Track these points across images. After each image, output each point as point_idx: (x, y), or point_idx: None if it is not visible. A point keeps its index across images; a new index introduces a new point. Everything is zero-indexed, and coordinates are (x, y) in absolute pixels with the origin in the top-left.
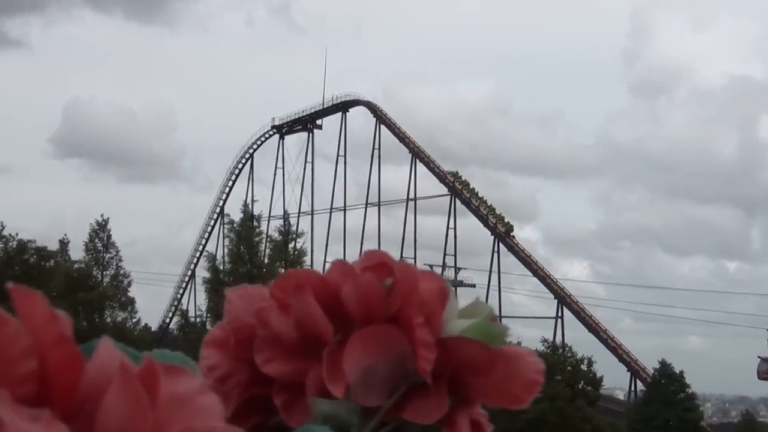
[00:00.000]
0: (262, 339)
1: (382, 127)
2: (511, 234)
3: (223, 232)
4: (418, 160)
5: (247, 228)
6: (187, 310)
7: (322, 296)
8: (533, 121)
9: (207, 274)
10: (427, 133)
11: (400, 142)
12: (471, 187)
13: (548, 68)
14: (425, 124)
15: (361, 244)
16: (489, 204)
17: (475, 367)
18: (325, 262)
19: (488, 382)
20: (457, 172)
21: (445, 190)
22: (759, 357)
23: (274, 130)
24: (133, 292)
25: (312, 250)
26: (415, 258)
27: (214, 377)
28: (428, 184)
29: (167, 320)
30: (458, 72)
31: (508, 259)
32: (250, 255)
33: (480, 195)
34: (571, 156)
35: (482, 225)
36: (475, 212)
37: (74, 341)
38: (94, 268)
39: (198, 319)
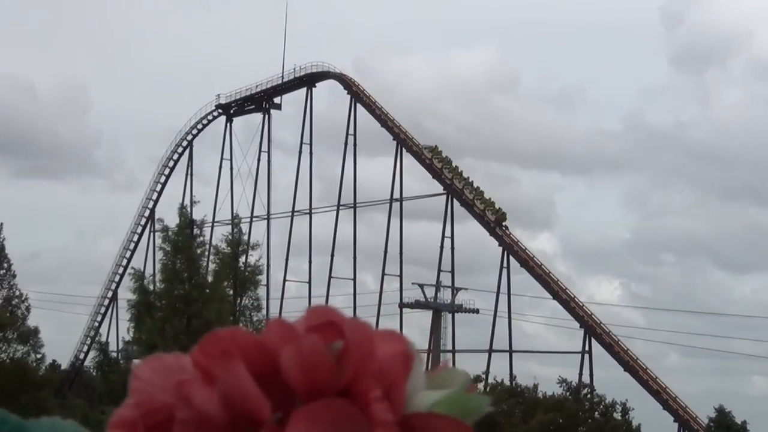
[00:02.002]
0: (183, 422)
1: (359, 107)
2: (503, 224)
3: (154, 242)
4: (404, 150)
5: (184, 237)
6: (106, 343)
7: (257, 364)
8: (547, 100)
9: (133, 296)
10: (413, 115)
11: (382, 126)
12: (470, 181)
13: (565, 34)
14: (411, 105)
15: (332, 257)
16: (476, 187)
17: None
18: (285, 281)
19: None
20: (447, 158)
21: (439, 188)
22: None
23: (219, 111)
24: (35, 319)
25: (268, 266)
26: (401, 275)
27: None
28: (417, 180)
29: (81, 355)
30: (452, 38)
31: (521, 278)
32: (190, 271)
33: (475, 186)
34: (595, 145)
35: (487, 232)
36: (480, 216)
37: None
38: None
39: (120, 354)
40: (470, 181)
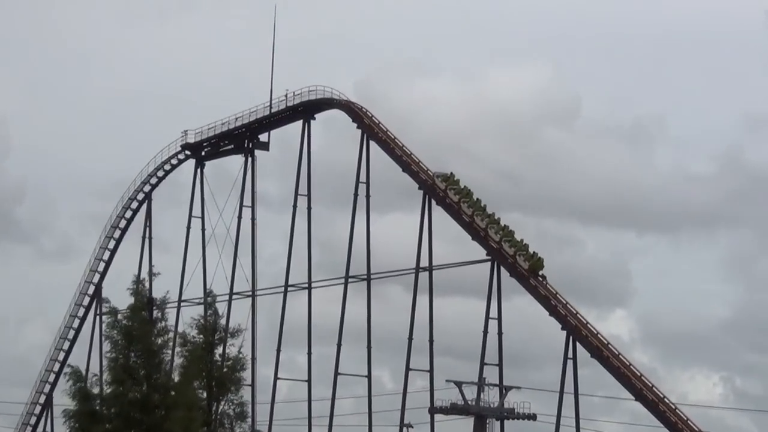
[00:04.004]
0: None
1: (373, 145)
2: (540, 274)
3: (100, 329)
4: (433, 201)
5: (140, 322)
6: None
7: None
8: (615, 134)
9: (72, 403)
10: (436, 155)
11: (404, 170)
12: (497, 218)
13: (639, 48)
14: (434, 142)
15: (338, 347)
16: (503, 225)
17: None
18: (275, 379)
19: None
20: (466, 189)
21: (481, 252)
22: None
23: (187, 153)
24: None
25: (254, 360)
26: (431, 370)
27: None
28: (450, 242)
29: None
30: (490, 54)
31: (591, 372)
32: (148, 368)
33: (503, 224)
34: (681, 193)
35: (546, 311)
36: (534, 289)
37: None
38: None
39: None
40: (497, 218)
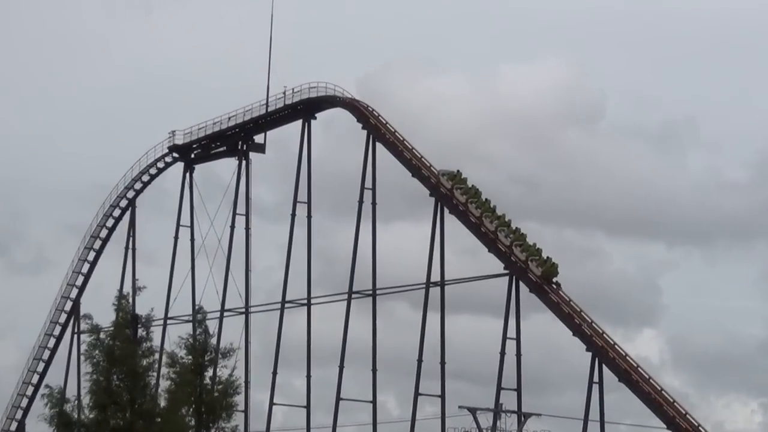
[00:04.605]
0: None
1: (379, 147)
2: (554, 282)
3: (78, 348)
4: (446, 209)
5: (124, 341)
6: None
7: None
8: (643, 137)
9: (47, 430)
10: (446, 159)
11: (414, 175)
12: (508, 221)
13: (668, 42)
14: (444, 143)
15: (340, 369)
16: (514, 229)
17: None
18: (271, 405)
19: None
20: (474, 188)
21: (498, 265)
22: None
23: (175, 155)
24: None
25: (248, 383)
26: (442, 395)
27: None
28: (465, 254)
29: None
30: (503, 50)
31: (618, 397)
32: (132, 392)
33: (513, 227)
34: (715, 201)
35: (569, 330)
36: (556, 306)
37: None
38: None
39: None
40: (507, 220)
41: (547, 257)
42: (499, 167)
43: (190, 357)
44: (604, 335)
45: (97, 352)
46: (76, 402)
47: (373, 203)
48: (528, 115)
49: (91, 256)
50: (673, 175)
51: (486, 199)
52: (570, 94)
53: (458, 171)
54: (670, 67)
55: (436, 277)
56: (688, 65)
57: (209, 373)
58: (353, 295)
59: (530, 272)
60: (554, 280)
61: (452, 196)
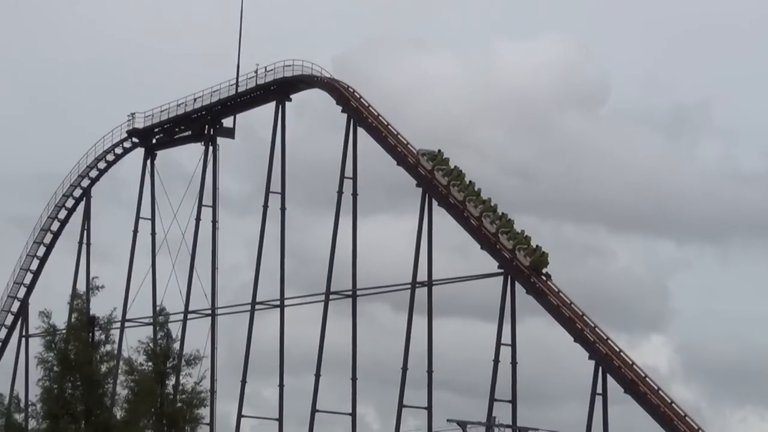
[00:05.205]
0: None
1: (360, 132)
2: (543, 272)
3: (27, 352)
4: (434, 201)
5: (80, 344)
6: None
7: None
8: (650, 123)
9: None
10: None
11: (399, 164)
12: (513, 226)
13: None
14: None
15: (316, 378)
16: (476, 189)
17: None
18: (239, 417)
19: None
20: (457, 169)
21: (492, 264)
22: None
23: (134, 140)
24: None
25: (213, 392)
26: (429, 407)
27: None
28: (454, 251)
29: None
30: (497, 27)
31: (624, 409)
32: (87, 402)
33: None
34: (730, 194)
35: (570, 336)
36: (556, 310)
37: None
38: None
39: None
40: (493, 204)
41: (537, 245)
42: (492, 156)
43: (150, 364)
44: (609, 341)
45: (51, 355)
46: (26, 411)
47: (354, 194)
48: (524, 98)
49: (41, 251)
50: (683, 166)
51: (470, 182)
52: (570, 74)
53: (439, 150)
54: (681, 46)
55: (422, 276)
56: (701, 44)
57: (171, 381)
58: (331, 296)
59: (517, 262)
60: (544, 270)
61: (432, 177)
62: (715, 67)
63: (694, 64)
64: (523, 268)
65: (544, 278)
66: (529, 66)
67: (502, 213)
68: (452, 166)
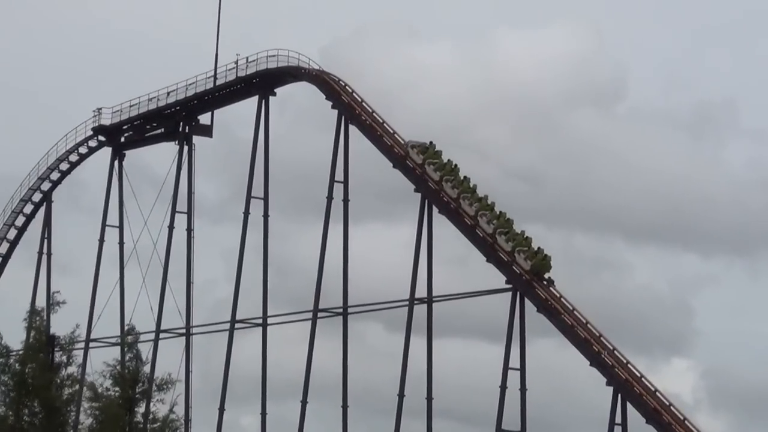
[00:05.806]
0: None
1: (353, 130)
2: (546, 278)
3: None
4: (435, 208)
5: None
6: None
7: None
8: (672, 123)
9: None
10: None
11: (395, 166)
12: (513, 226)
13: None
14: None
15: (303, 404)
16: (471, 185)
17: None
18: None
19: None
20: (450, 163)
21: (500, 279)
22: None
23: (100, 139)
24: None
25: (188, 421)
26: None
27: None
28: (457, 265)
29: None
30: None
31: None
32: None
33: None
34: (758, 201)
35: (586, 360)
36: (570, 330)
37: None
38: None
39: None
40: (491, 203)
41: (538, 248)
42: (494, 158)
43: (117, 389)
44: (629, 365)
45: (7, 378)
46: None
47: (345, 200)
48: (530, 94)
49: None
50: (708, 170)
51: (465, 177)
52: (583, 68)
53: (431, 142)
54: (705, 39)
55: (421, 292)
56: (728, 37)
57: (141, 409)
58: (319, 314)
59: (516, 266)
60: (546, 275)
61: (423, 172)
62: (743, 63)
63: (720, 58)
64: (520, 268)
65: (545, 283)
66: (536, 58)
67: (500, 212)
68: (445, 160)
